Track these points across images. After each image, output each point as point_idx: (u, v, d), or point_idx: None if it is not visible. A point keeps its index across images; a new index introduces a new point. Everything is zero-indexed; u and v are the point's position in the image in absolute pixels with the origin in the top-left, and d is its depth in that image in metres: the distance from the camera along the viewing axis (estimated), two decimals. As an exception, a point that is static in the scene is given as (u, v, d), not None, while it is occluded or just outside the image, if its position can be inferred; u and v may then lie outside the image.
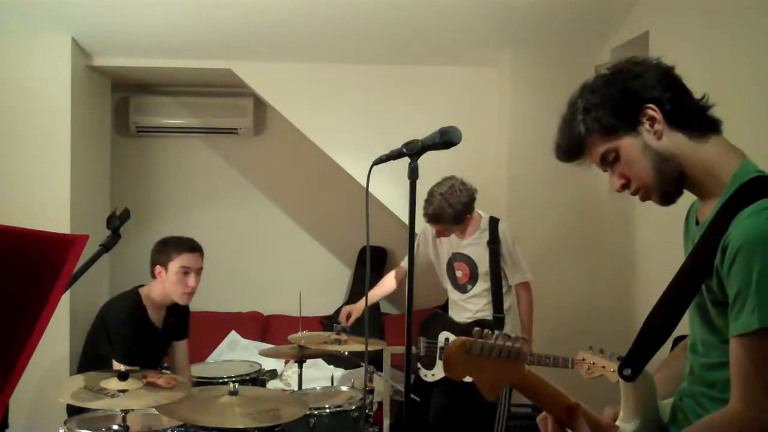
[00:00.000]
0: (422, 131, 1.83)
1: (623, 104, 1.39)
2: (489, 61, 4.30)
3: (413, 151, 1.77)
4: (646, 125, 1.39)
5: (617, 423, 1.43)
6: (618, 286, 4.01)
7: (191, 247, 3.12)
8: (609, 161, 1.43)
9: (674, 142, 1.39)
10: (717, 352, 1.36)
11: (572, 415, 1.30)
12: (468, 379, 1.32)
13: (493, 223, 3.51)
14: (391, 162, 1.83)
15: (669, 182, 1.40)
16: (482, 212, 3.54)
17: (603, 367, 3.03)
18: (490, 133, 4.33)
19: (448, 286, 3.60)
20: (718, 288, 1.31)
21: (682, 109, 1.40)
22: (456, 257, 3.53)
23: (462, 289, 3.53)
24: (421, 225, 3.58)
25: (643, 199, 1.46)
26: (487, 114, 4.35)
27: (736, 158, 1.39)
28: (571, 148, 1.48)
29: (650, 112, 1.38)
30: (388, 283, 3.78)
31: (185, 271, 3.08)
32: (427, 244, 3.63)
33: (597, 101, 1.41)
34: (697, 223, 1.45)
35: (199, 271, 3.14)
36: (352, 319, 3.62)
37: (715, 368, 1.37)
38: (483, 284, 3.47)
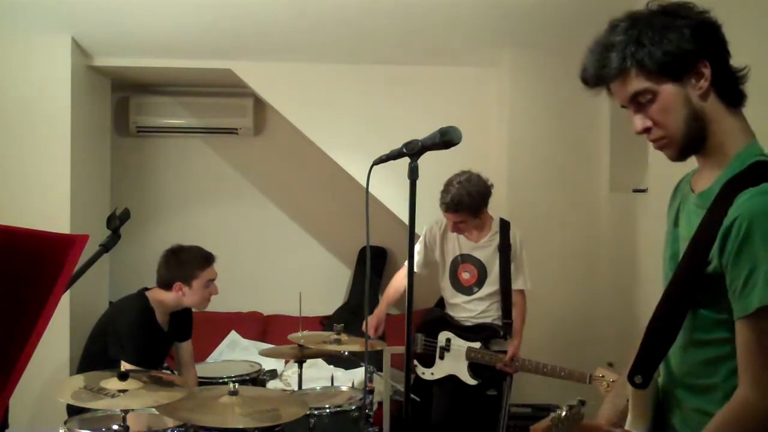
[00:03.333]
0: (422, 131, 1.83)
1: (681, 51, 1.34)
2: (489, 61, 4.30)
3: (413, 151, 1.77)
4: (693, 79, 1.36)
5: (626, 427, 1.42)
6: (618, 286, 4.01)
7: (209, 259, 3.20)
8: (641, 101, 1.38)
9: (711, 104, 1.37)
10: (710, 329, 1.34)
11: None
12: None
13: (504, 225, 3.49)
14: (391, 162, 1.83)
15: (693, 140, 1.38)
16: (493, 214, 3.52)
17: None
18: (490, 133, 4.33)
19: (447, 287, 3.56)
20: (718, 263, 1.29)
21: (726, 74, 1.38)
22: (463, 258, 3.48)
23: (467, 291, 3.49)
24: (424, 224, 3.57)
25: (659, 147, 1.42)
26: (487, 114, 4.35)
27: (745, 136, 1.39)
28: (603, 75, 1.40)
29: (703, 68, 1.35)
30: (399, 282, 3.70)
31: (208, 284, 3.18)
32: (434, 245, 3.56)
33: (655, 38, 1.34)
34: (692, 191, 1.44)
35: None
36: (380, 330, 3.56)
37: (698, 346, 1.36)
38: (489, 288, 3.45)
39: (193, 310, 3.32)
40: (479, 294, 3.46)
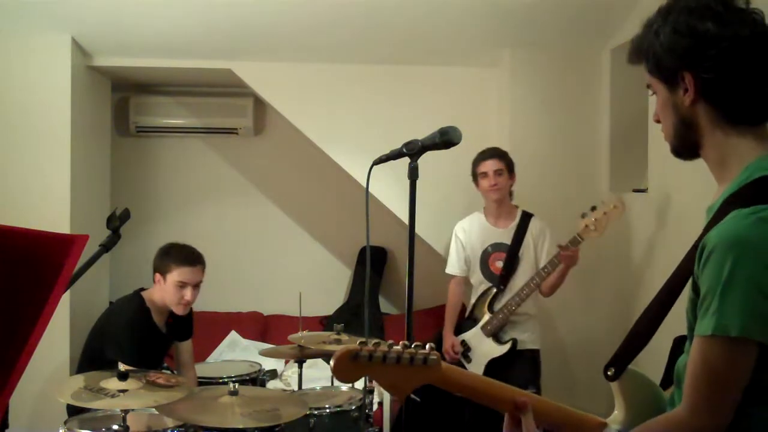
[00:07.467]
0: (422, 131, 1.83)
1: (663, 58, 1.29)
2: (489, 61, 4.30)
3: (413, 151, 1.78)
4: (680, 89, 1.30)
5: (608, 420, 1.42)
6: (617, 286, 4.01)
7: (190, 261, 3.10)
8: (653, 91, 1.37)
9: (704, 115, 1.29)
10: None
11: (521, 409, 1.27)
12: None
13: (526, 217, 3.65)
14: (391, 162, 1.84)
15: (684, 146, 1.35)
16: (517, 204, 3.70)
17: (605, 213, 3.24)
18: (490, 133, 4.33)
19: (479, 279, 3.64)
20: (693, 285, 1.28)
21: (724, 88, 1.27)
22: (494, 248, 3.61)
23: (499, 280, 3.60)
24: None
25: (665, 138, 1.40)
26: (487, 114, 4.35)
27: (756, 150, 1.28)
28: (632, 58, 1.37)
29: (685, 81, 1.28)
30: (454, 298, 3.77)
31: (181, 285, 3.07)
32: (462, 245, 3.69)
33: (662, 33, 1.28)
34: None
35: (197, 285, 3.13)
36: (457, 347, 3.61)
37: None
38: (523, 277, 3.56)
39: (175, 312, 3.20)
40: (510, 285, 3.56)
